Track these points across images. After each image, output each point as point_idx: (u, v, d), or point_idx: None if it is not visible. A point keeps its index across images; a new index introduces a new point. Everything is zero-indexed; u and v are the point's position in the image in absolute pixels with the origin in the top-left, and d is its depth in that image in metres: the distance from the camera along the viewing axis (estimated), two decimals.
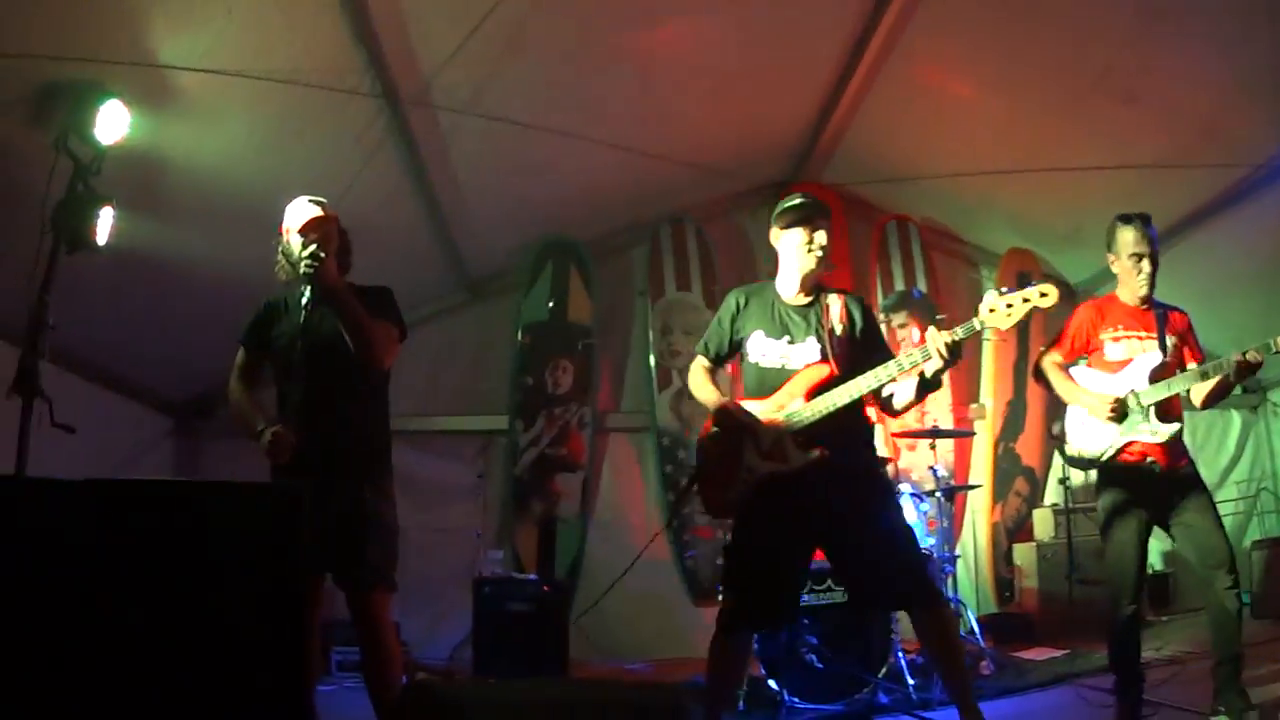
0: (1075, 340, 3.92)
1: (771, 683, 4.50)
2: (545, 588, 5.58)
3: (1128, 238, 3.78)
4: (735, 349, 3.51)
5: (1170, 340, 3.78)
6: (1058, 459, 7.41)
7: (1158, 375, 3.70)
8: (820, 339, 3.30)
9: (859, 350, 3.33)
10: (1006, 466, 7.27)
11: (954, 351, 3.08)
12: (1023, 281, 3.36)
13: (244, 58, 4.01)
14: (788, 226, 3.43)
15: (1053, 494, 7.17)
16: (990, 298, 3.14)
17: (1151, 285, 3.80)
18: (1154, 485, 3.67)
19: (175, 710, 1.84)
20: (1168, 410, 3.70)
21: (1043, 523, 6.86)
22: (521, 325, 6.99)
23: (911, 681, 4.57)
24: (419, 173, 5.44)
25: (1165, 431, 3.65)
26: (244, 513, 2.02)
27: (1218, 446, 7.67)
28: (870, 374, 3.20)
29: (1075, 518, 6.34)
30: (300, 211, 3.22)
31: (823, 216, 3.42)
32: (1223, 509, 3.80)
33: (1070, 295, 7.67)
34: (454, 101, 4.97)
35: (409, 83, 4.68)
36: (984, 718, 3.11)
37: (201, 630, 1.88)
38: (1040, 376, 4.00)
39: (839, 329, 3.33)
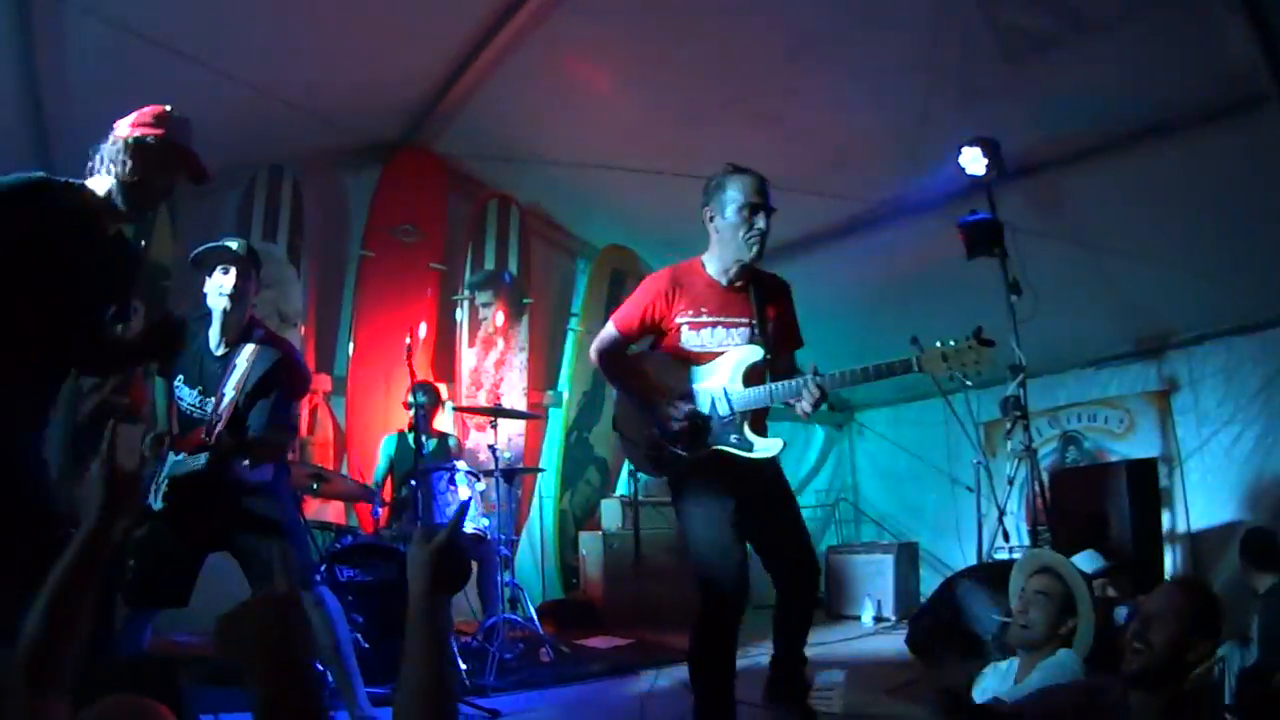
0: (646, 319, 3.22)
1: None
2: None
3: (746, 184, 3.12)
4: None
5: (769, 326, 3.20)
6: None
7: (754, 375, 3.10)
8: (221, 402, 3.28)
9: (251, 404, 3.38)
10: (579, 455, 7.43)
11: None
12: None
13: None
14: (207, 274, 3.47)
15: (623, 485, 7.46)
16: None
17: (761, 248, 3.12)
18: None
19: None
20: (762, 421, 3.17)
21: (610, 513, 7.07)
22: None
23: (464, 666, 4.41)
24: (30, 73, 4.83)
25: (762, 449, 3.08)
26: None
27: (799, 456, 8.43)
28: None
29: (644, 510, 6.60)
30: None
31: (228, 259, 3.45)
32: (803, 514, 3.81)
33: None
34: None
35: None
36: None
37: None
38: (603, 361, 3.29)
39: (237, 398, 3.28)
